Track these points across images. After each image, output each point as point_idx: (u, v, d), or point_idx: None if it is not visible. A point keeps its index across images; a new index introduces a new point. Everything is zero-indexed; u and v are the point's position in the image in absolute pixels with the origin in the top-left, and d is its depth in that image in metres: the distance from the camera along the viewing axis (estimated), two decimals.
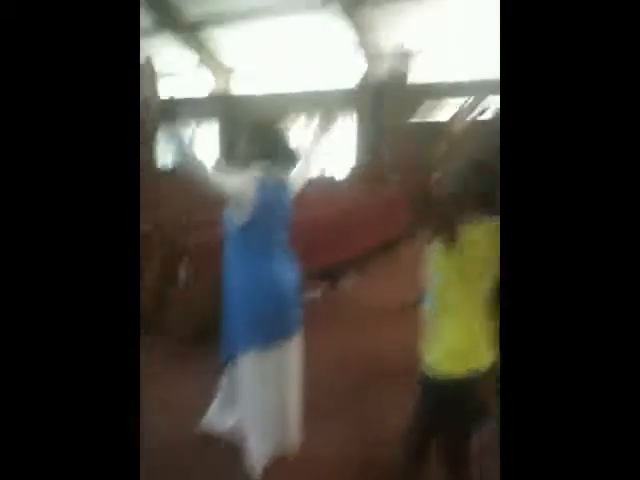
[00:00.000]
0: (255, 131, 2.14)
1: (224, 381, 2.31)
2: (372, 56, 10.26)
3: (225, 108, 12.30)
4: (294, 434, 2.28)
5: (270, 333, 2.07)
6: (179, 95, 10.59)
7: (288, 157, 2.14)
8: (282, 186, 2.13)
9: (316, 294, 4.46)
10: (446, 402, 1.48)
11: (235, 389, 2.23)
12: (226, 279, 2.12)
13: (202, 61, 12.10)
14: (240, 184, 1.96)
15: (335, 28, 9.82)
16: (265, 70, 11.91)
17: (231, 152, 12.78)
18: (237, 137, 2.17)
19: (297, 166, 2.21)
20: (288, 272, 2.14)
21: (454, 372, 1.44)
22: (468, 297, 1.44)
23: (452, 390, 1.45)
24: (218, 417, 2.35)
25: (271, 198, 2.04)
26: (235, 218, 2.01)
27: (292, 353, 2.19)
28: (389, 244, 5.29)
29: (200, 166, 1.87)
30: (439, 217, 1.34)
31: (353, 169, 9.53)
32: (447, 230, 1.34)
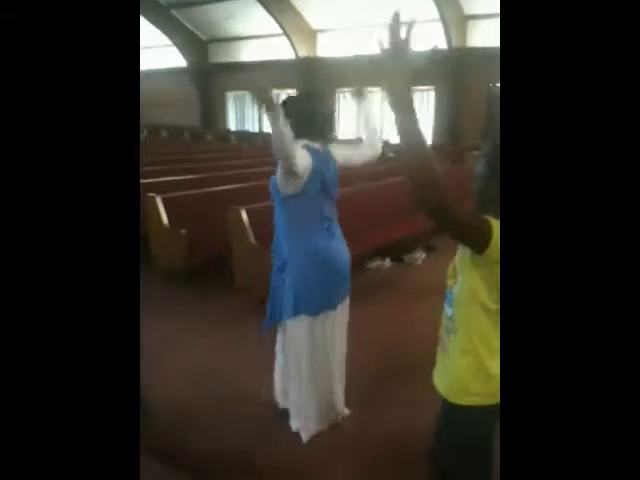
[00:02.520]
0: (292, 106, 2.02)
1: (279, 357, 2.32)
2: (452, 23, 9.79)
3: (306, 72, 12.31)
4: (340, 402, 2.28)
5: (315, 304, 2.06)
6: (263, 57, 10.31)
7: (323, 136, 2.05)
8: (329, 159, 2.06)
9: (386, 263, 4.66)
10: (463, 431, 1.31)
11: (285, 359, 2.25)
12: (275, 247, 2.14)
13: (285, 25, 12.16)
14: (303, 155, 1.92)
15: None
16: (348, 33, 11.71)
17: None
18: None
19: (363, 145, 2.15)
20: (335, 245, 2.10)
21: (463, 404, 1.27)
22: (489, 317, 1.20)
23: (466, 419, 1.28)
24: (281, 397, 2.39)
25: (322, 171, 1.99)
26: (282, 189, 1.96)
27: (337, 323, 2.17)
28: None
29: (286, 134, 1.80)
30: (466, 225, 1.15)
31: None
32: (476, 237, 1.14)
